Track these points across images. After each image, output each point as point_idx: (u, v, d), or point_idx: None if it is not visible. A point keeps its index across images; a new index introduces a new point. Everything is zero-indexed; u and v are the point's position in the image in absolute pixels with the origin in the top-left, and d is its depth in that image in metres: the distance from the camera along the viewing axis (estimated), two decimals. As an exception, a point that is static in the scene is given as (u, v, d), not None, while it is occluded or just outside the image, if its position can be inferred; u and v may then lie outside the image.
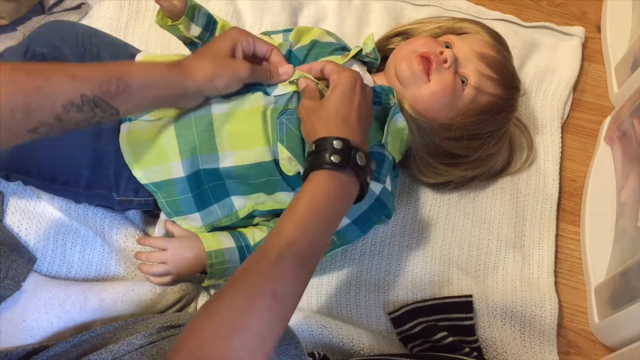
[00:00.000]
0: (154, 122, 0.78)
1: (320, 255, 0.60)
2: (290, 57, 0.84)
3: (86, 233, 0.83)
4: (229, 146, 0.76)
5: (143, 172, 0.77)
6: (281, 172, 0.76)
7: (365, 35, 1.07)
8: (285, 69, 0.78)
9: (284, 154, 0.75)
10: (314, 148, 0.65)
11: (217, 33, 0.86)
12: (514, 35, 1.10)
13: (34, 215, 0.83)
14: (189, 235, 0.78)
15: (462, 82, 0.82)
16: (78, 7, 1.04)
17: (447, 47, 0.83)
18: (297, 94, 0.77)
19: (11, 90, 0.53)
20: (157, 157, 0.76)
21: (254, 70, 0.74)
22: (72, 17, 1.03)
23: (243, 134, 0.76)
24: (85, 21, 1.03)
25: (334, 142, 0.63)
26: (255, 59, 0.78)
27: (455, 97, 0.81)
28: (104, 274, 0.83)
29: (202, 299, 0.82)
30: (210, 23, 0.85)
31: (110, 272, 0.83)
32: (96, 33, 0.89)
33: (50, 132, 0.58)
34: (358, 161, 0.63)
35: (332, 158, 0.62)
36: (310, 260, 0.57)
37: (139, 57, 0.86)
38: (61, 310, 0.75)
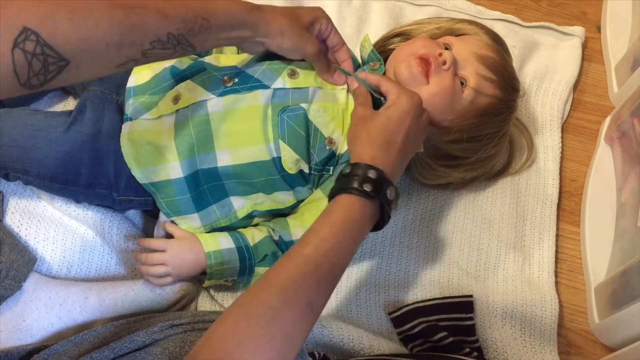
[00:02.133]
0: (154, 121, 0.78)
1: (339, 273, 0.60)
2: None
3: (86, 233, 0.83)
4: (226, 145, 0.76)
5: (142, 172, 0.77)
6: (280, 171, 0.76)
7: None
8: (340, 75, 0.79)
9: (286, 151, 0.75)
10: (348, 171, 0.66)
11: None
12: (514, 35, 1.10)
13: (34, 215, 0.83)
14: (189, 237, 0.78)
15: (462, 83, 0.81)
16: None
17: (446, 48, 0.82)
18: (298, 90, 0.77)
19: (109, 26, 0.55)
20: (156, 157, 0.77)
21: (319, 55, 0.75)
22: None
23: (240, 133, 0.76)
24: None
25: (370, 171, 0.64)
26: (324, 46, 0.79)
27: (455, 99, 0.81)
28: (104, 274, 0.83)
29: (202, 299, 0.82)
30: None
31: (110, 272, 0.83)
32: None
33: (134, 66, 0.60)
34: (388, 195, 0.64)
35: (363, 186, 0.63)
36: (333, 276, 0.58)
37: None
38: (61, 310, 0.75)
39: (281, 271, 0.55)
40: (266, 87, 0.77)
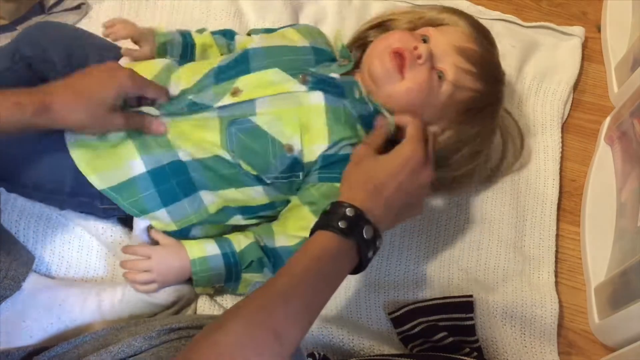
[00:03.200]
0: None
1: (315, 307, 0.58)
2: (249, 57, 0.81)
3: (82, 233, 0.82)
4: (183, 145, 0.76)
5: (99, 177, 0.76)
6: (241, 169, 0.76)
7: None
8: (158, 125, 0.76)
9: (241, 162, 0.75)
10: (328, 209, 0.64)
11: (196, 54, 0.88)
12: (514, 35, 1.10)
13: (31, 215, 0.82)
14: (174, 243, 0.77)
15: (439, 77, 0.77)
16: (78, 7, 1.03)
17: (423, 40, 0.79)
18: (242, 104, 0.76)
19: None
20: (112, 159, 0.75)
21: (129, 123, 0.74)
22: (71, 17, 1.03)
23: (194, 138, 0.76)
24: (85, 21, 1.03)
25: (347, 209, 0.62)
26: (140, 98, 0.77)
27: (432, 93, 0.77)
28: (102, 274, 0.83)
29: (202, 301, 0.82)
30: (187, 48, 0.87)
31: (108, 272, 0.83)
32: (84, 35, 0.89)
33: None
34: (364, 234, 0.62)
35: (339, 223, 0.61)
36: (306, 310, 0.56)
37: (123, 61, 0.86)
38: (61, 311, 0.75)
39: (251, 301, 0.54)
40: (209, 107, 0.76)
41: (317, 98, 0.77)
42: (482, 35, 0.82)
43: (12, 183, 0.77)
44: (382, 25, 0.87)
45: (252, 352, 0.50)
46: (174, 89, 0.80)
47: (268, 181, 0.76)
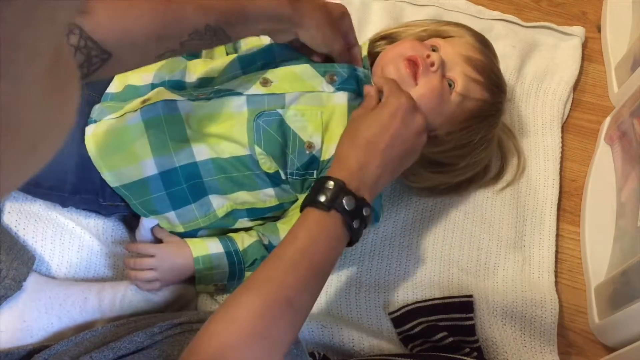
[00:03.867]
0: (118, 119, 0.76)
1: (321, 274, 0.60)
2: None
3: (82, 233, 0.82)
4: (202, 141, 0.76)
5: (113, 175, 0.76)
6: (259, 168, 0.76)
7: (365, 35, 1.07)
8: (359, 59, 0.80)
9: (262, 156, 0.75)
10: (313, 184, 0.66)
11: (202, 52, 0.88)
12: (514, 35, 1.10)
13: (30, 214, 0.82)
14: (177, 241, 0.78)
15: (450, 85, 0.80)
16: (78, 7, 1.04)
17: (433, 50, 0.81)
18: (273, 95, 0.76)
19: (149, 19, 0.56)
20: (126, 157, 0.75)
21: (344, 52, 0.77)
22: (72, 17, 1.03)
23: (216, 133, 0.75)
24: (85, 21, 1.03)
25: (327, 182, 0.64)
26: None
27: (443, 100, 0.79)
28: (102, 274, 0.83)
29: (202, 300, 0.82)
30: None
31: (109, 272, 0.83)
32: None
33: (172, 56, 0.62)
34: (345, 205, 0.62)
35: (320, 197, 0.62)
36: (313, 276, 0.58)
37: None
38: (61, 310, 0.75)
39: (260, 273, 0.56)
40: (239, 94, 0.76)
41: (342, 99, 0.78)
42: (486, 47, 0.86)
43: None
44: (389, 37, 0.89)
45: (270, 321, 0.52)
46: (191, 77, 0.81)
47: (284, 177, 0.76)
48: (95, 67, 0.54)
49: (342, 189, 0.63)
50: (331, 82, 0.78)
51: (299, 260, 0.57)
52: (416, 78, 0.78)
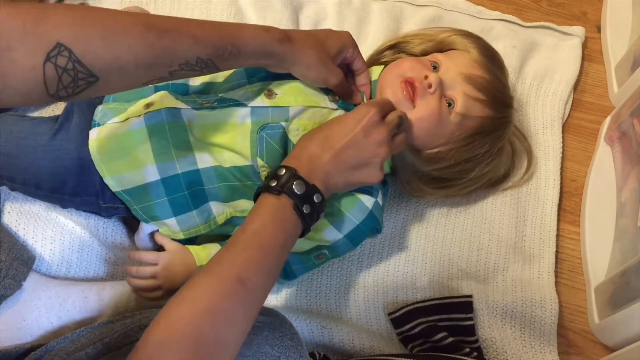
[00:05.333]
0: (122, 123, 0.77)
1: (274, 257, 0.61)
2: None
3: (82, 233, 0.82)
4: (205, 150, 0.76)
5: (115, 179, 0.76)
6: (260, 179, 0.76)
7: (365, 35, 1.07)
8: (358, 97, 0.81)
9: (264, 168, 0.75)
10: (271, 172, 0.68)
11: None
12: (514, 35, 1.10)
13: (30, 214, 0.82)
14: (180, 249, 0.78)
15: (449, 104, 0.79)
16: (78, 7, 1.04)
17: (434, 67, 0.81)
18: (277, 108, 0.76)
19: (141, 48, 0.57)
20: (129, 162, 0.75)
21: (341, 85, 0.77)
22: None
23: (219, 143, 0.76)
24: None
25: (279, 169, 0.66)
26: (348, 69, 0.81)
27: (442, 121, 0.79)
28: (102, 273, 0.83)
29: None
30: None
31: (109, 272, 0.83)
32: None
33: (159, 82, 0.62)
34: (295, 189, 0.64)
35: (271, 182, 0.65)
36: (264, 257, 0.60)
37: None
38: (61, 310, 0.75)
39: (215, 257, 0.59)
40: (243, 105, 0.76)
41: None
42: (491, 60, 0.84)
43: (14, 181, 0.77)
44: (395, 47, 0.89)
45: (221, 297, 0.54)
46: (195, 81, 0.81)
47: None
48: (81, 89, 0.55)
49: (293, 175, 0.65)
50: (334, 100, 0.79)
51: (250, 242, 0.59)
52: (414, 101, 0.78)
